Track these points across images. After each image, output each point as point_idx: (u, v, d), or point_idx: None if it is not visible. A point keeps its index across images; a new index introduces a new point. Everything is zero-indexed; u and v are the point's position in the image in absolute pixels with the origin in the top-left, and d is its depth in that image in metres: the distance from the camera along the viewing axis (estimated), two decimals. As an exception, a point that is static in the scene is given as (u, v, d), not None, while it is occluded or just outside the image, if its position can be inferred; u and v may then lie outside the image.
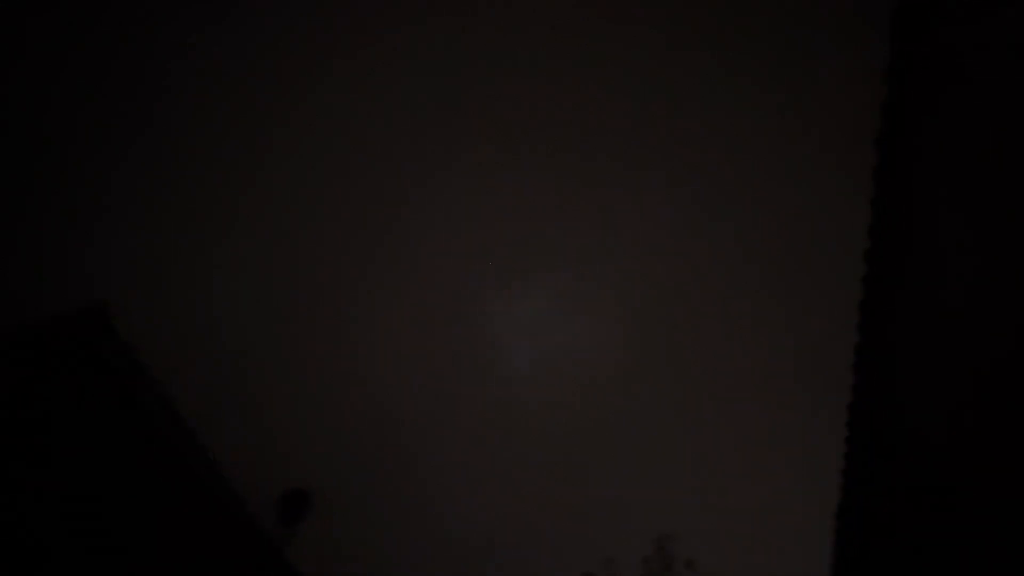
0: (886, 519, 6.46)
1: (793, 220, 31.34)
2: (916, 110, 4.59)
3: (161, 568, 6.69)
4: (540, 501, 33.51)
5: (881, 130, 4.76)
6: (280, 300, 33.61)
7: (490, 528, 32.65)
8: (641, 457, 34.35)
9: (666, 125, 32.94)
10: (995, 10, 3.91)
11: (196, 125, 29.83)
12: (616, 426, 36.87)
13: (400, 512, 32.58)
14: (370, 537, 29.99)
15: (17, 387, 5.36)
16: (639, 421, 36.38)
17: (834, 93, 27.30)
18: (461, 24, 31.54)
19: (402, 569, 30.14)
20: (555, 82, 33.56)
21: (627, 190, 35.67)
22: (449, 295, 37.26)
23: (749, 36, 28.28)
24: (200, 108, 29.64)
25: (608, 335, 37.48)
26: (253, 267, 32.73)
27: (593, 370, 38.45)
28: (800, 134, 29.11)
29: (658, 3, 29.00)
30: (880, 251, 5.32)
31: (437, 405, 36.90)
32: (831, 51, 26.22)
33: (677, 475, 33.06)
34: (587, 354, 39.08)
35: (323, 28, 30.48)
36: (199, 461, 6.77)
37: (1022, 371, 4.40)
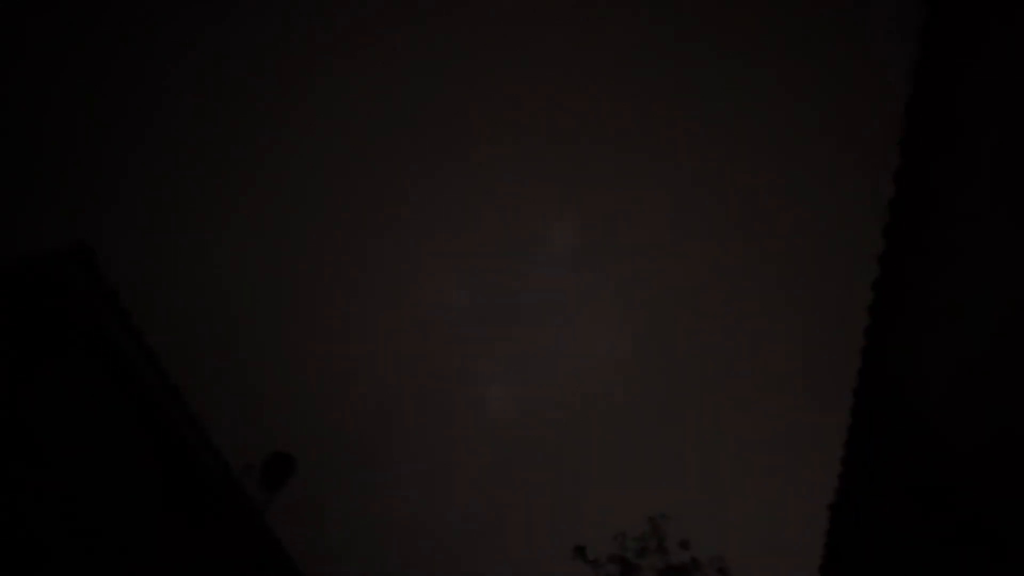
0: (880, 513, 6.46)
1: (801, 219, 31.34)
2: (942, 110, 4.58)
3: (131, 522, 6.57)
4: (543, 484, 33.51)
5: (905, 132, 4.73)
6: (278, 286, 33.60)
7: (491, 507, 32.61)
8: (642, 447, 34.36)
9: (670, 125, 32.93)
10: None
11: (198, 127, 29.84)
12: (619, 418, 36.87)
13: (404, 486, 32.48)
14: (352, 508, 29.91)
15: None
16: (641, 413, 36.36)
17: (846, 93, 27.28)
18: (462, 24, 31.55)
19: (402, 545, 30.06)
20: (557, 82, 33.57)
21: (628, 190, 35.68)
22: (447, 292, 37.27)
23: (762, 34, 28.23)
24: (202, 110, 29.66)
25: (611, 331, 37.49)
26: (252, 255, 32.74)
27: (598, 363, 38.45)
28: (811, 134, 29.09)
29: (662, 3, 28.99)
30: (893, 251, 5.31)
31: (437, 397, 36.85)
32: (846, 49, 26.16)
33: (676, 464, 33.08)
34: (591, 348, 39.07)
35: (323, 28, 30.49)
36: (180, 416, 6.50)
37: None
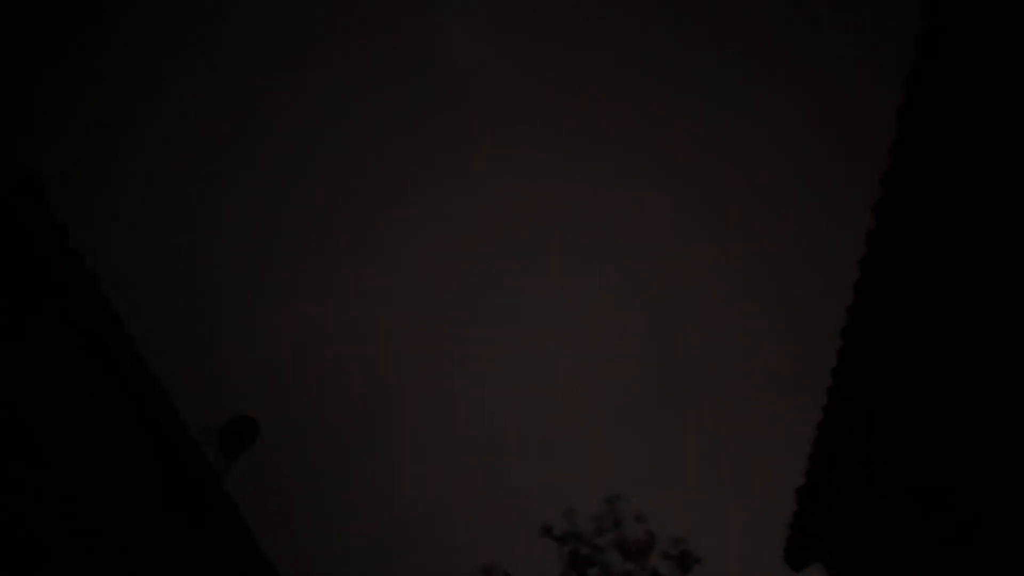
0: (879, 513, 6.52)
1: (800, 220, 31.35)
2: (934, 118, 4.62)
3: (131, 522, 6.49)
4: (540, 483, 33.54)
5: (896, 137, 4.76)
6: (273, 285, 33.57)
7: (488, 505, 32.62)
8: (639, 446, 34.39)
9: (670, 125, 32.93)
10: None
11: (197, 126, 29.82)
12: (617, 416, 36.86)
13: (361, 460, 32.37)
14: (349, 506, 29.86)
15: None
16: (639, 413, 36.34)
17: (847, 95, 27.30)
18: (463, 25, 31.54)
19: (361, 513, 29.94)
20: (557, 82, 33.57)
21: (628, 190, 35.67)
22: (446, 292, 37.26)
23: (763, 35, 28.25)
24: (203, 108, 29.63)
25: (610, 331, 37.50)
26: (251, 254, 32.71)
27: (597, 363, 38.44)
28: (811, 135, 29.11)
29: (662, 5, 29.01)
30: (890, 249, 5.34)
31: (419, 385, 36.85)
32: (847, 50, 26.18)
33: (676, 463, 33.12)
34: (590, 348, 39.06)
35: (322, 26, 30.48)
36: (130, 364, 6.22)
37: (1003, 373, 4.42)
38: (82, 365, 6.01)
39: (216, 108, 29.69)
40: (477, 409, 36.88)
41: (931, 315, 5.31)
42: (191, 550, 7.45)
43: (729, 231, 34.64)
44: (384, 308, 35.71)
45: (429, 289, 36.61)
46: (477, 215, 36.04)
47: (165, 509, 7.04)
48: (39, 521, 5.35)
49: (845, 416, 6.40)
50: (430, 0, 30.92)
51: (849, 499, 6.88)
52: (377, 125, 33.30)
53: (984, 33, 4.25)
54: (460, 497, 33.60)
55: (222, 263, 31.13)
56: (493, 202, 36.00)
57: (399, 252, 35.41)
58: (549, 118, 33.90)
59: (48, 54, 24.52)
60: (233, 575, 8.12)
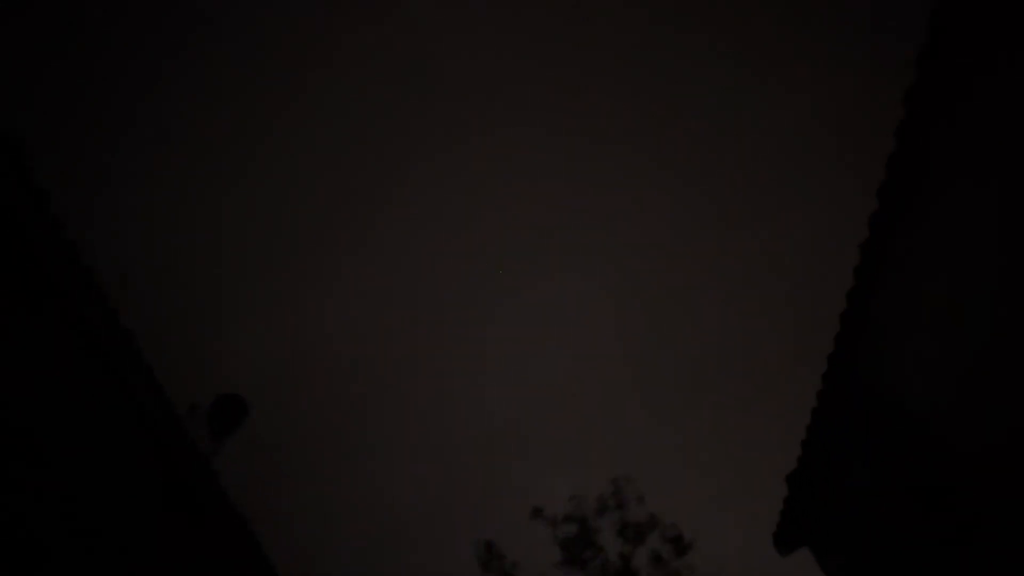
0: (877, 513, 6.53)
1: (801, 219, 31.32)
2: (934, 118, 4.62)
3: (131, 522, 6.48)
4: (536, 482, 33.57)
5: (902, 122, 4.75)
6: (273, 285, 33.52)
7: (488, 502, 32.62)
8: (640, 446, 34.39)
9: (670, 124, 32.91)
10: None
11: (197, 126, 29.80)
12: (617, 417, 36.84)
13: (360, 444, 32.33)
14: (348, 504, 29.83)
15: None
16: (639, 412, 36.32)
17: (848, 94, 27.28)
18: (461, 23, 31.53)
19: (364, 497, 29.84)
20: (557, 82, 33.55)
21: (628, 190, 35.65)
22: (446, 292, 37.23)
23: (764, 34, 28.23)
24: (203, 108, 29.61)
25: (610, 330, 37.47)
26: (251, 254, 32.66)
27: (597, 363, 38.41)
28: (813, 134, 29.09)
29: (662, 5, 28.99)
30: (888, 250, 5.35)
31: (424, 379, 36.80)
32: (842, 58, 26.19)
33: (676, 463, 33.10)
34: (590, 348, 39.02)
35: (323, 24, 30.46)
36: (130, 364, 6.09)
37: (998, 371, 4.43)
38: (82, 365, 6.01)
39: (216, 108, 29.68)
40: (477, 409, 36.87)
41: (931, 313, 5.31)
42: (191, 550, 7.45)
43: (729, 231, 34.62)
44: (384, 308, 35.70)
45: (429, 289, 36.61)
46: (477, 215, 36.03)
47: (165, 509, 7.04)
48: (39, 521, 5.34)
49: (839, 406, 6.42)
50: (430, 0, 30.91)
51: (842, 492, 6.90)
52: (377, 125, 33.29)
53: (984, 33, 4.25)
54: (460, 497, 33.59)
55: (222, 263, 31.11)
56: (493, 202, 35.99)
57: (399, 252, 35.41)
58: (549, 118, 33.87)
59: (48, 54, 24.49)
60: (233, 575, 8.11)
